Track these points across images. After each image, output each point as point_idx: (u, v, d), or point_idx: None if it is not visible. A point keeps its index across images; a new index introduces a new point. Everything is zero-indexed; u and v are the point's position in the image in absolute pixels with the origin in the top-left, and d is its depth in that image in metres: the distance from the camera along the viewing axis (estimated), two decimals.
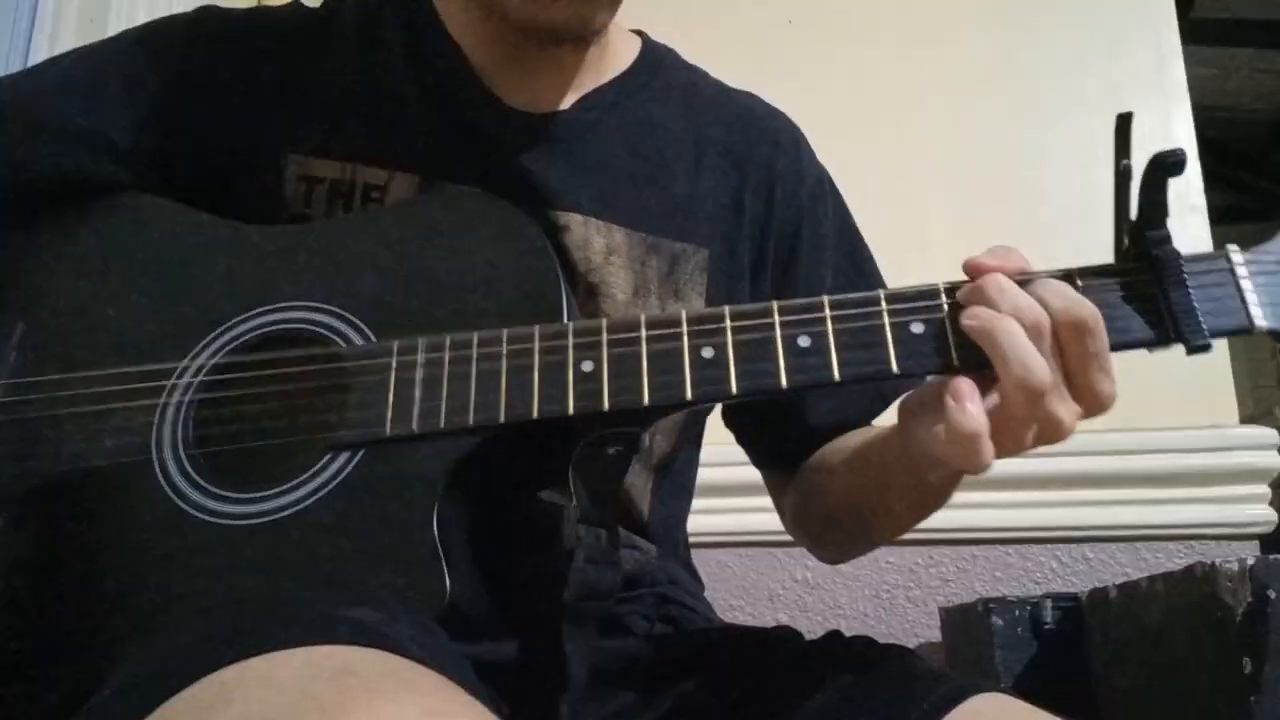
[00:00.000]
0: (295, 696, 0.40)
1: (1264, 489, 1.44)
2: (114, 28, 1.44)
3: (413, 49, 0.76)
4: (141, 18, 0.79)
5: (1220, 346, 1.47)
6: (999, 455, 0.54)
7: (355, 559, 0.55)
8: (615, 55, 0.81)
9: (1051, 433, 0.54)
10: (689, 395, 0.56)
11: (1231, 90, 3.36)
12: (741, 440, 0.87)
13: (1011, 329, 0.52)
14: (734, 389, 0.56)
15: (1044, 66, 1.63)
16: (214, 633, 0.47)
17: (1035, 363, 0.51)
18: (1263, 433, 1.45)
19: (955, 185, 1.60)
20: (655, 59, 0.83)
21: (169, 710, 0.42)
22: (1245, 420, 1.49)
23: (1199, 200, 1.53)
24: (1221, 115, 3.52)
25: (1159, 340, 0.55)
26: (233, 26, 0.77)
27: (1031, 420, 0.53)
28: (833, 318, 0.56)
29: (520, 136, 0.73)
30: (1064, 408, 0.54)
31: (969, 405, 0.52)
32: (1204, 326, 0.54)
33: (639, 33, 0.85)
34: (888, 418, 0.77)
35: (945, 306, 0.56)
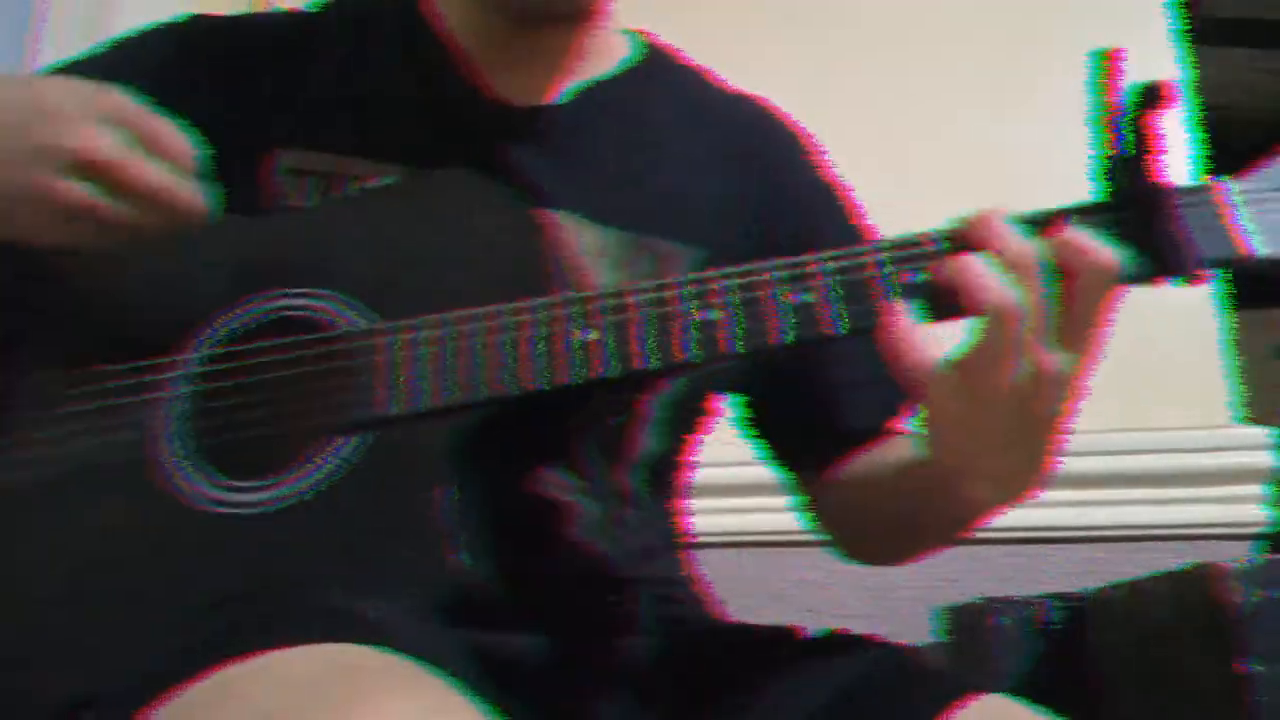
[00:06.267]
0: (306, 694, 0.40)
1: (1264, 489, 1.44)
2: (115, 28, 1.44)
3: (403, 43, 0.76)
4: (143, 19, 0.80)
5: (1220, 346, 1.47)
6: (991, 403, 0.53)
7: (366, 542, 0.55)
8: (614, 51, 0.80)
9: (1051, 379, 0.53)
10: (694, 356, 0.56)
11: (1231, 90, 3.36)
12: (767, 442, 0.86)
13: (978, 261, 0.53)
14: (739, 348, 0.56)
15: (1044, 66, 1.63)
16: (218, 628, 0.47)
17: (1005, 289, 0.51)
18: (1263, 433, 1.45)
19: (954, 184, 1.59)
20: (657, 56, 0.83)
21: (176, 704, 0.42)
22: (1245, 420, 1.49)
23: None
24: (1221, 115, 3.52)
25: (1157, 272, 0.55)
26: (224, 29, 0.78)
27: (1010, 353, 0.52)
28: (833, 270, 0.56)
29: (510, 132, 0.73)
30: (1059, 359, 0.53)
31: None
32: (1201, 256, 0.54)
33: (641, 31, 0.85)
34: None
35: (944, 255, 0.55)
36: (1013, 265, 0.52)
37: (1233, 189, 0.56)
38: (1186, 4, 1.68)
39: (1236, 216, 0.55)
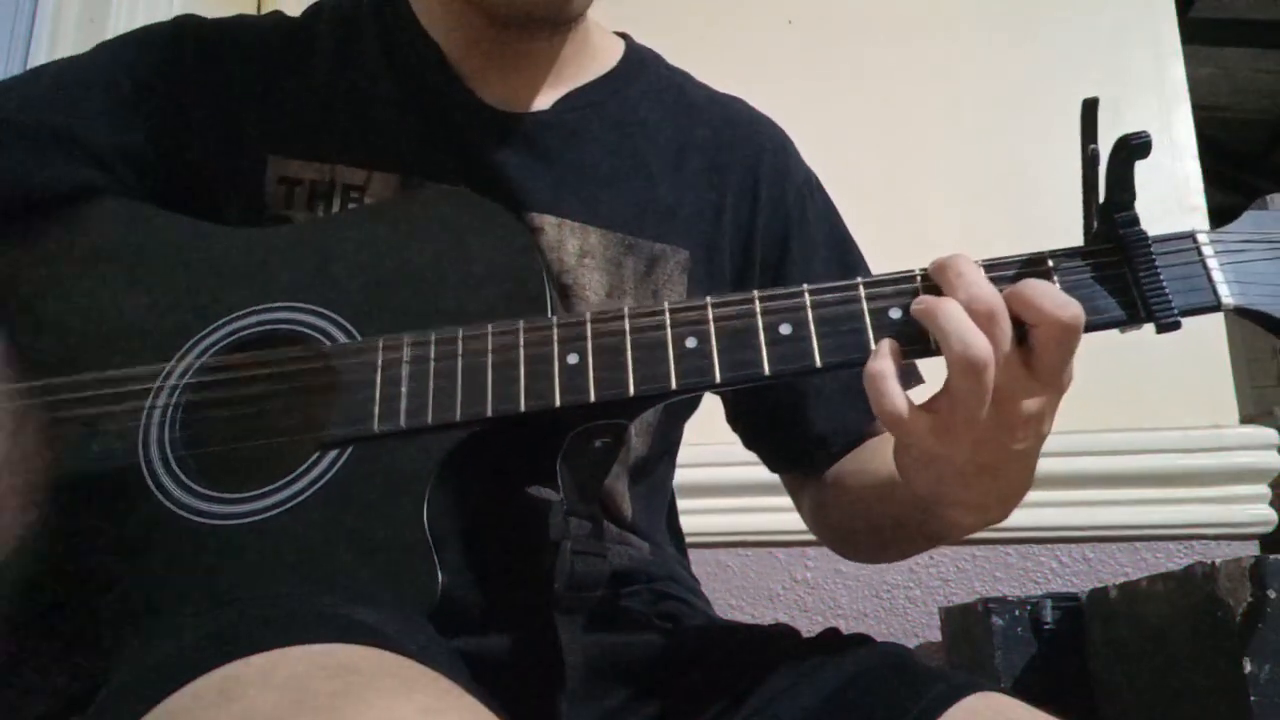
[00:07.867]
0: (297, 695, 0.40)
1: (1264, 489, 1.44)
2: (113, 29, 1.45)
3: (391, 49, 0.76)
4: (141, 19, 0.80)
5: (1220, 345, 1.47)
6: (961, 442, 0.54)
7: (347, 556, 0.55)
8: (599, 55, 0.81)
9: (1022, 419, 0.54)
10: (674, 385, 0.56)
11: (1231, 90, 3.36)
12: (749, 445, 0.87)
13: (950, 308, 0.53)
14: (718, 377, 0.56)
15: (1044, 67, 1.64)
16: (212, 632, 0.47)
17: (974, 338, 0.52)
18: (1263, 433, 1.45)
19: (955, 185, 1.60)
20: (640, 60, 0.83)
21: (168, 709, 0.42)
22: (1245, 420, 1.49)
23: (1199, 200, 1.53)
24: (1221, 115, 3.52)
25: (1130, 320, 0.56)
26: (213, 33, 0.77)
27: (979, 398, 0.52)
28: (813, 305, 0.57)
29: (497, 136, 0.73)
30: (1031, 401, 0.54)
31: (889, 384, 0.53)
32: (1173, 305, 0.55)
33: (623, 35, 0.85)
34: None
35: (922, 291, 0.56)
36: (978, 314, 0.52)
37: (1205, 239, 0.57)
38: (1186, 4, 1.68)
39: (1209, 266, 0.56)
